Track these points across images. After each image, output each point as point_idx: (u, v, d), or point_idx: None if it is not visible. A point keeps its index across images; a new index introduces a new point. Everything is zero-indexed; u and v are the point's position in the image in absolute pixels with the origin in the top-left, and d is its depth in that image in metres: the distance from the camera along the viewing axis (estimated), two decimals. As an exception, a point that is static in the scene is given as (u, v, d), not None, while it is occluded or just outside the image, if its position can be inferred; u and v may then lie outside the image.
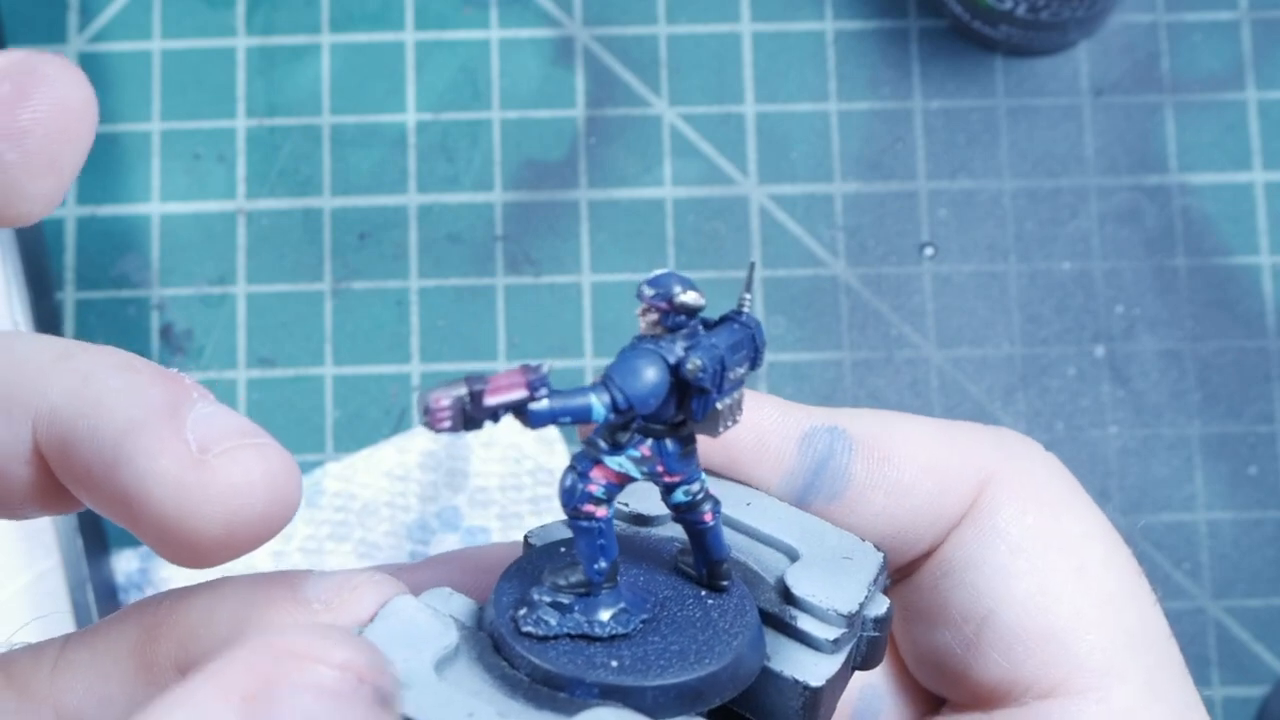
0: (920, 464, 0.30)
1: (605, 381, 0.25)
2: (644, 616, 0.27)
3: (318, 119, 0.59)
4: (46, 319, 0.55)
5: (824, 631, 0.27)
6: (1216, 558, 0.57)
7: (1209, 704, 0.56)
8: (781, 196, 0.59)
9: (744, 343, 0.26)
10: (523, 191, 0.59)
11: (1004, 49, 0.59)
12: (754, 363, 0.26)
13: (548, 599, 0.26)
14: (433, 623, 0.26)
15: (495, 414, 0.24)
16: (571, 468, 0.26)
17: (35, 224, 0.57)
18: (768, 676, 0.27)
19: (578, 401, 0.25)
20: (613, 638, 0.26)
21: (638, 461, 0.26)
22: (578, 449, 0.27)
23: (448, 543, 0.55)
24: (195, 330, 0.58)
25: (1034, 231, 0.59)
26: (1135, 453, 0.57)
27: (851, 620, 0.28)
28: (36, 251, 0.56)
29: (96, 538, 0.54)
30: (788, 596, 0.28)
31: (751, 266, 0.27)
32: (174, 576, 0.55)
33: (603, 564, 0.26)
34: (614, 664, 0.25)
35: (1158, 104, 0.60)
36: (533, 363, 0.25)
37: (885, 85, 0.60)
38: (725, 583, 0.27)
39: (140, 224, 0.58)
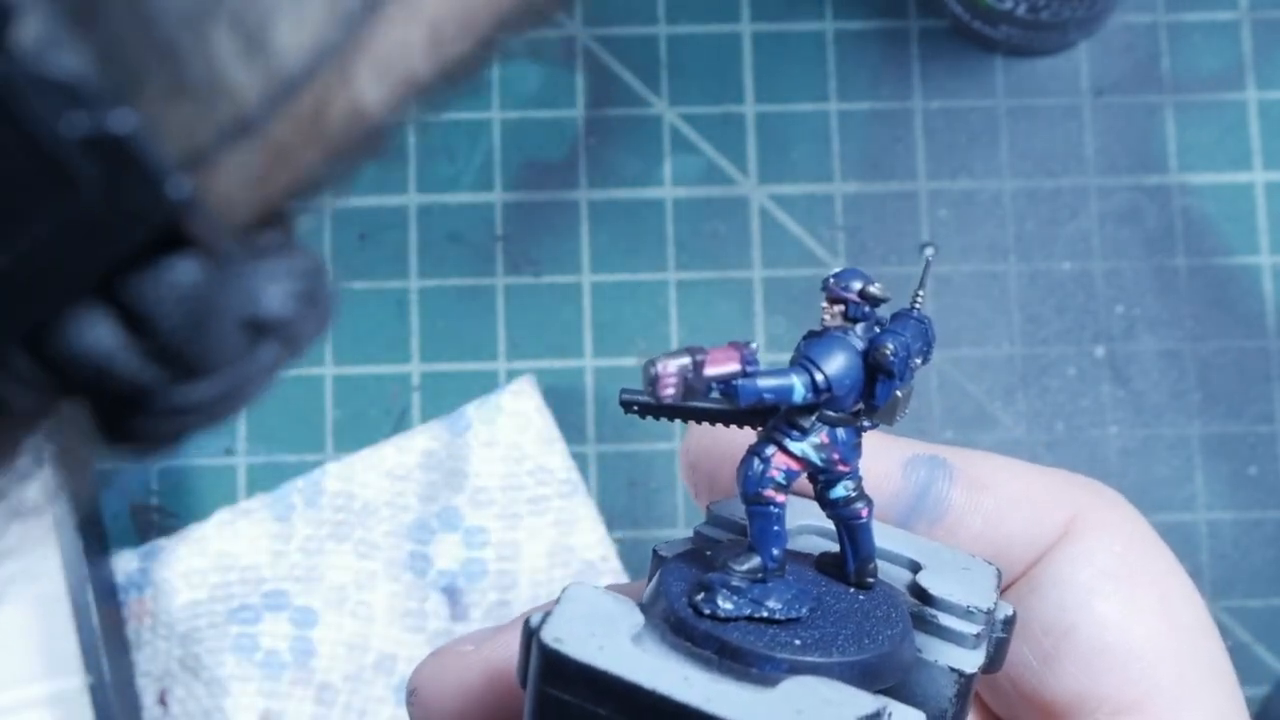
0: (1015, 493, 0.31)
1: (804, 364, 0.26)
2: (810, 604, 0.28)
3: (318, 119, 0.59)
4: (46, 319, 0.55)
5: (965, 627, 0.29)
6: (1216, 558, 0.57)
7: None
8: (781, 196, 0.59)
9: (920, 335, 0.27)
10: (523, 191, 0.59)
11: (1004, 49, 0.59)
12: (926, 356, 0.28)
13: (724, 584, 0.27)
14: (616, 605, 0.27)
15: (709, 386, 0.25)
16: (754, 453, 0.27)
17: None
18: (921, 666, 0.28)
19: (782, 381, 0.26)
20: (787, 621, 0.27)
21: (817, 448, 0.27)
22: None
23: (448, 543, 0.55)
24: (195, 330, 0.58)
25: (1034, 231, 0.59)
26: (1135, 453, 0.57)
27: (989, 617, 0.29)
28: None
29: (96, 538, 0.54)
30: (924, 597, 0.29)
31: (926, 263, 0.29)
32: (174, 577, 0.55)
33: (777, 551, 0.27)
34: (796, 643, 0.26)
35: (1158, 104, 0.60)
36: (740, 340, 0.26)
37: (885, 85, 0.60)
38: (871, 580, 0.29)
39: (140, 224, 0.58)
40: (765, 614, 0.27)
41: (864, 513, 0.28)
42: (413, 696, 0.32)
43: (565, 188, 0.59)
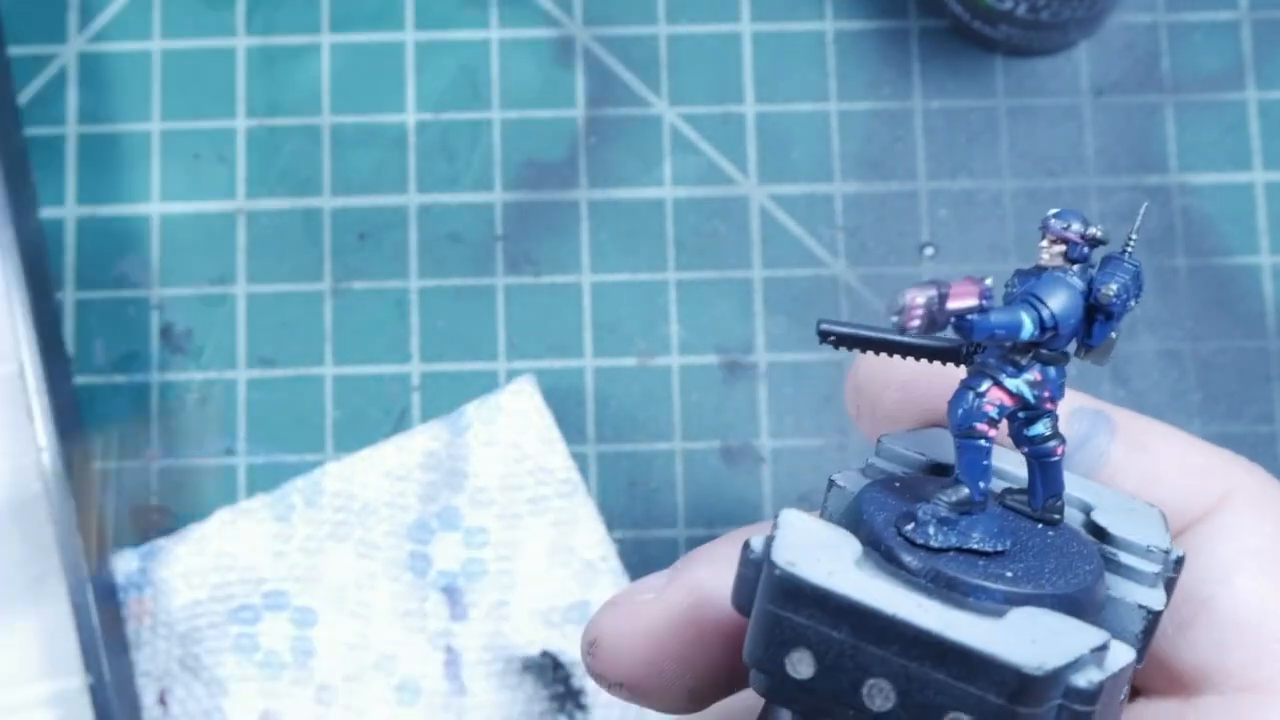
0: (1173, 460, 0.31)
1: (1031, 301, 0.27)
2: (1011, 539, 0.28)
3: (318, 119, 0.59)
4: (46, 319, 0.55)
5: (1146, 565, 0.29)
6: (1217, 558, 0.57)
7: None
8: (781, 196, 0.59)
9: (1134, 278, 0.28)
10: (523, 191, 0.59)
11: (1004, 49, 0.59)
12: (1138, 299, 0.28)
13: (935, 515, 0.27)
14: (833, 532, 0.27)
15: (950, 318, 0.26)
16: (969, 387, 0.27)
17: (35, 224, 0.57)
18: (1110, 603, 0.29)
19: (1012, 317, 0.27)
20: (994, 553, 0.28)
21: (1031, 385, 0.28)
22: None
23: (448, 542, 0.55)
24: (195, 330, 0.58)
25: (1034, 232, 0.59)
26: (1135, 453, 0.57)
27: (1167, 557, 0.29)
28: (36, 252, 0.56)
29: (97, 538, 0.54)
30: (1102, 536, 0.29)
31: (1143, 212, 0.30)
32: (174, 577, 0.55)
33: (984, 484, 0.28)
34: (1007, 574, 0.27)
35: (1158, 104, 0.60)
36: (976, 275, 0.27)
37: (885, 85, 0.60)
38: (1058, 516, 0.29)
39: (140, 224, 0.58)
40: (974, 545, 0.27)
41: (1058, 450, 0.28)
42: (593, 648, 0.32)
43: (565, 188, 0.59)
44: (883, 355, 0.29)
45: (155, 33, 0.60)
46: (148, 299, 0.58)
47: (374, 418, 0.57)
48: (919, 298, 0.26)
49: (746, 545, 0.27)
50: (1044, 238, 0.28)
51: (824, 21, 0.60)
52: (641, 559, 0.56)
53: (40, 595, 0.53)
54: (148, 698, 0.54)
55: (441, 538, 0.55)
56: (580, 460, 0.57)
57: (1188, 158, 0.59)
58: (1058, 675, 0.25)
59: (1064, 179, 0.59)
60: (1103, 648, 0.26)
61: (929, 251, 0.59)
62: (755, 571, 0.27)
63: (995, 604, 0.26)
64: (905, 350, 0.29)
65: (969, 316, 0.26)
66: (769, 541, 0.26)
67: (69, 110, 0.59)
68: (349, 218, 0.59)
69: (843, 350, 0.29)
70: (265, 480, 0.57)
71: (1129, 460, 0.31)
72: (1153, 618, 0.28)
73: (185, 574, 0.55)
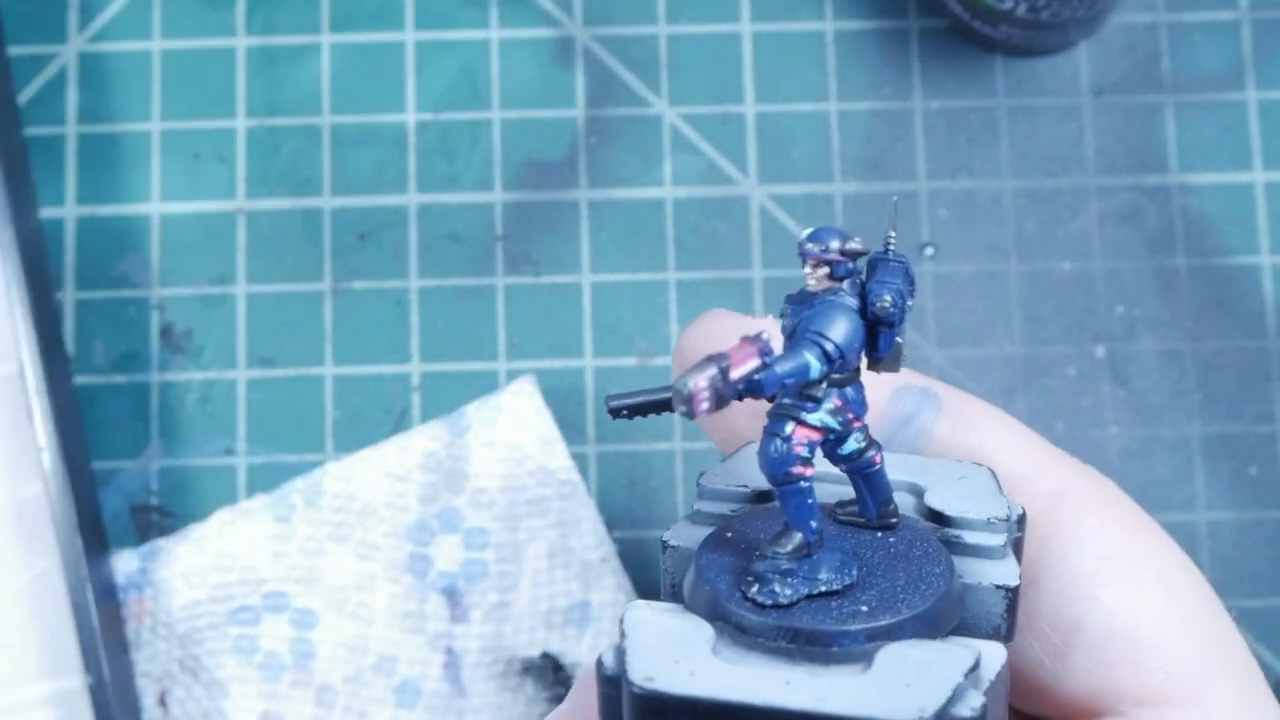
0: (1001, 440, 0.31)
1: (811, 338, 0.26)
2: (857, 565, 0.27)
3: (318, 119, 0.59)
4: (46, 319, 0.55)
5: (992, 540, 0.28)
6: (1216, 558, 0.57)
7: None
8: (781, 196, 0.59)
9: (905, 276, 0.27)
10: (523, 191, 0.59)
11: (1004, 49, 0.59)
12: (912, 294, 0.28)
13: (774, 570, 0.27)
14: (680, 620, 0.26)
15: (737, 388, 0.25)
16: (773, 434, 0.27)
17: (35, 224, 0.57)
18: (968, 591, 0.28)
19: (798, 362, 0.26)
20: (845, 589, 0.27)
21: (833, 413, 0.27)
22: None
23: (448, 544, 0.55)
24: (195, 330, 0.58)
25: (1034, 231, 0.59)
26: (1135, 453, 0.57)
27: (1008, 524, 0.29)
28: (36, 251, 0.56)
29: (96, 538, 0.54)
30: (941, 519, 0.29)
31: (895, 207, 0.29)
32: (174, 577, 0.55)
33: (815, 524, 0.27)
34: (863, 609, 0.26)
35: (1158, 104, 0.60)
36: (750, 333, 0.26)
37: (885, 85, 0.60)
38: (894, 520, 0.29)
39: (140, 224, 0.58)
40: (823, 588, 0.27)
41: (877, 459, 0.28)
42: None
43: (565, 188, 0.59)
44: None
45: (155, 33, 0.60)
46: (148, 299, 0.58)
47: (374, 418, 0.57)
48: (701, 381, 0.25)
49: (599, 663, 0.26)
50: (805, 264, 0.27)
51: (824, 21, 0.60)
52: (641, 559, 0.56)
53: (40, 595, 0.53)
54: (148, 698, 0.54)
55: (442, 539, 0.55)
56: (580, 460, 0.57)
57: (1188, 158, 0.59)
58: (941, 715, 0.24)
59: (1064, 179, 0.59)
60: (975, 666, 0.25)
61: (929, 251, 0.59)
62: (615, 688, 0.26)
63: (858, 645, 0.26)
64: None
65: (755, 377, 0.26)
66: (621, 654, 0.26)
67: (69, 110, 0.59)
68: (349, 218, 0.59)
69: (638, 418, 0.28)
70: (265, 480, 0.57)
71: (956, 437, 0.31)
72: (1012, 594, 0.28)
73: (185, 574, 0.55)
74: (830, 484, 0.30)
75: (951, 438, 0.31)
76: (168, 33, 0.60)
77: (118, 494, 0.57)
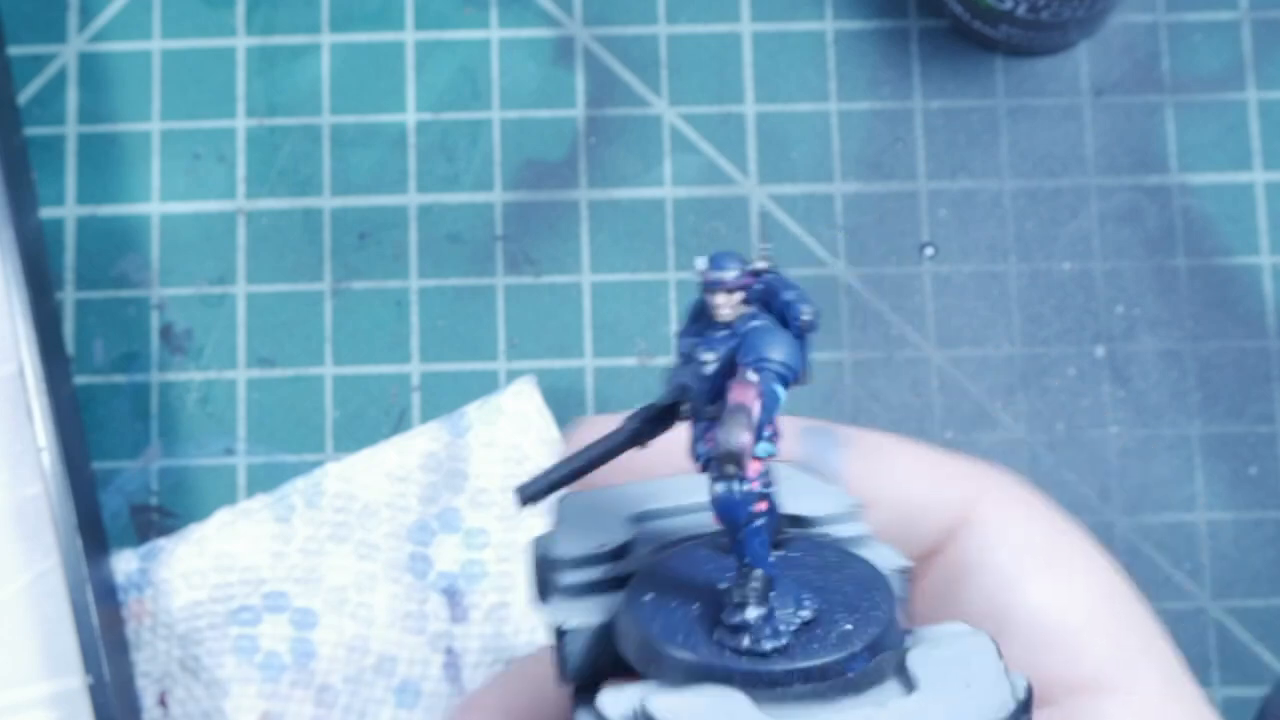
0: (909, 466, 0.31)
1: (761, 367, 0.25)
2: (806, 588, 0.26)
3: (318, 119, 0.59)
4: (46, 319, 0.55)
5: (858, 529, 0.28)
6: (1216, 558, 0.57)
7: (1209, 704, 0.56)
8: (781, 196, 0.59)
9: (798, 287, 0.27)
10: (523, 191, 0.59)
11: (1004, 49, 0.59)
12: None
13: (760, 617, 0.25)
14: (711, 697, 0.25)
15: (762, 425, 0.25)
16: (720, 479, 0.25)
17: (35, 224, 0.57)
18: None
19: (771, 396, 0.25)
20: (817, 612, 0.26)
21: (770, 440, 0.26)
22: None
23: (448, 544, 0.55)
24: (195, 330, 0.58)
25: (1034, 231, 0.59)
26: (1135, 453, 0.57)
27: (858, 507, 0.28)
28: (36, 251, 0.56)
29: (96, 538, 0.54)
30: (800, 522, 0.28)
31: (763, 217, 0.29)
32: (174, 577, 0.55)
33: (772, 558, 0.26)
34: (847, 627, 0.25)
35: (1158, 104, 0.60)
36: (746, 378, 0.25)
37: (885, 85, 0.60)
38: (782, 535, 0.28)
39: (140, 224, 0.58)
40: (805, 618, 0.26)
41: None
42: None
43: (565, 188, 0.59)
44: (593, 472, 0.28)
45: (155, 33, 0.60)
46: (148, 299, 0.58)
47: (374, 418, 0.57)
48: (746, 436, 0.24)
49: None
50: (716, 295, 0.26)
51: (824, 21, 0.60)
52: (641, 559, 0.56)
53: (40, 595, 0.53)
54: (148, 699, 0.54)
55: (442, 539, 0.55)
56: (580, 460, 0.56)
57: (1188, 158, 0.59)
58: (1023, 699, 0.24)
59: (1064, 179, 0.59)
60: (994, 643, 0.25)
61: (929, 251, 0.59)
62: None
63: (864, 664, 0.25)
64: (605, 456, 0.28)
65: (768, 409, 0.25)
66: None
67: (69, 110, 0.59)
68: (349, 218, 0.59)
69: (554, 495, 0.28)
70: (265, 480, 0.57)
71: (863, 473, 0.30)
72: (909, 570, 0.28)
73: (185, 574, 0.55)
74: (662, 517, 0.29)
75: (860, 474, 0.30)
76: (168, 33, 0.60)
77: (118, 494, 0.57)
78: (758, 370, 0.25)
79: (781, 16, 0.60)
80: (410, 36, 0.60)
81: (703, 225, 0.58)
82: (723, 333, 0.26)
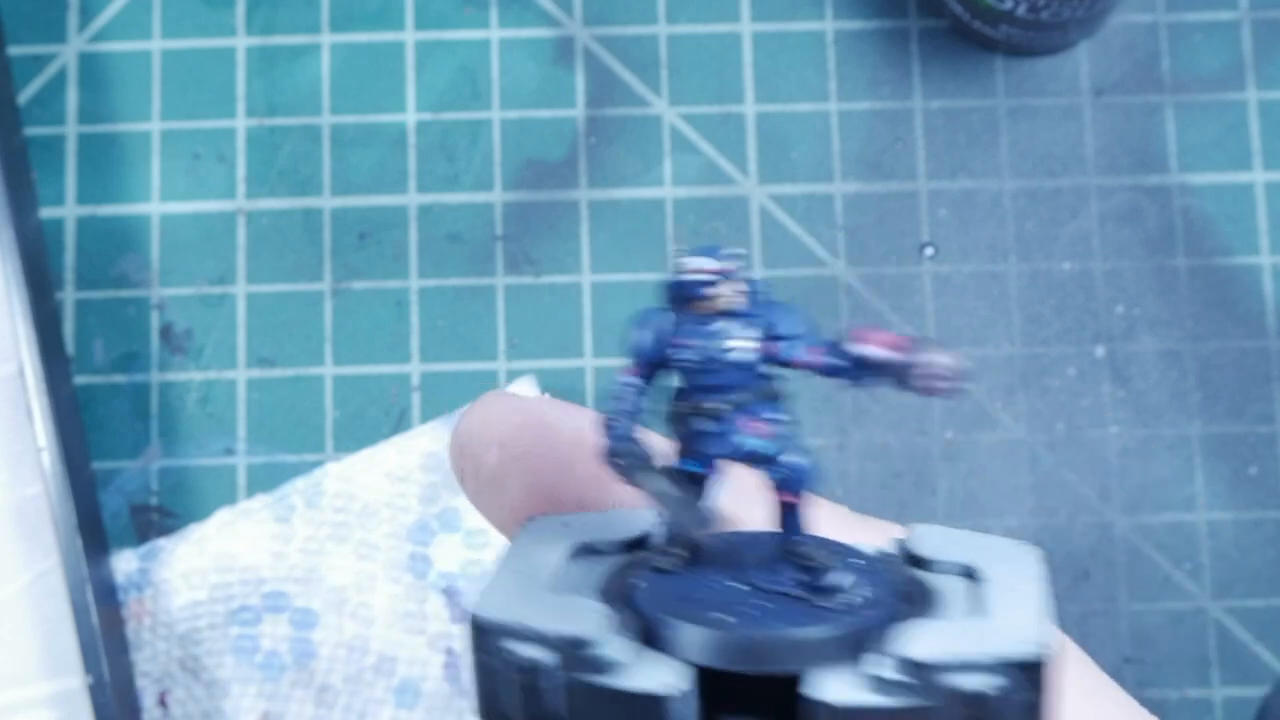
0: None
1: (815, 337, 0.27)
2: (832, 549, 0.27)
3: (318, 119, 0.59)
4: (46, 319, 0.55)
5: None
6: (1216, 558, 0.57)
7: (1209, 704, 0.57)
8: (781, 196, 0.59)
9: None
10: (523, 191, 0.59)
11: (1004, 49, 0.59)
12: None
13: (839, 576, 0.26)
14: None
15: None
16: (799, 449, 0.27)
17: (35, 224, 0.57)
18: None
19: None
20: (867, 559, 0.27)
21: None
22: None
23: (448, 544, 0.55)
24: (195, 330, 0.58)
25: (1034, 231, 0.59)
26: (1135, 453, 0.57)
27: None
28: (35, 251, 0.56)
29: (96, 538, 0.54)
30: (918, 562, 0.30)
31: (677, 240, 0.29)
32: (174, 577, 0.55)
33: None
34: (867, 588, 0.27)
35: (1158, 104, 0.60)
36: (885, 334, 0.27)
37: (885, 85, 0.60)
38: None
39: (140, 224, 0.58)
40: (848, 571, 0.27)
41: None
42: (465, 418, 0.31)
43: (565, 188, 0.59)
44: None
45: (155, 33, 0.60)
46: (148, 299, 0.58)
47: (374, 418, 0.57)
48: (955, 360, 0.25)
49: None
50: (716, 289, 0.26)
51: (824, 21, 0.60)
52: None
53: (40, 595, 0.53)
54: (148, 699, 0.54)
55: (442, 539, 0.55)
56: (580, 460, 0.57)
57: (1188, 158, 0.59)
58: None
59: (1064, 179, 0.59)
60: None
61: (929, 251, 0.59)
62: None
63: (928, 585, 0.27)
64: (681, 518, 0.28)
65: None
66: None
67: (69, 110, 0.59)
68: (349, 218, 0.59)
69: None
70: (265, 480, 0.57)
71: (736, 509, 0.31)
72: None
73: (185, 574, 0.55)
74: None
75: (733, 509, 0.30)
76: (168, 33, 0.60)
77: (118, 494, 0.57)
78: (815, 338, 0.27)
79: (781, 16, 0.60)
80: (410, 36, 0.60)
81: (703, 225, 0.58)
82: (726, 323, 0.26)
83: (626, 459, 0.26)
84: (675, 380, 0.27)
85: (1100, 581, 0.57)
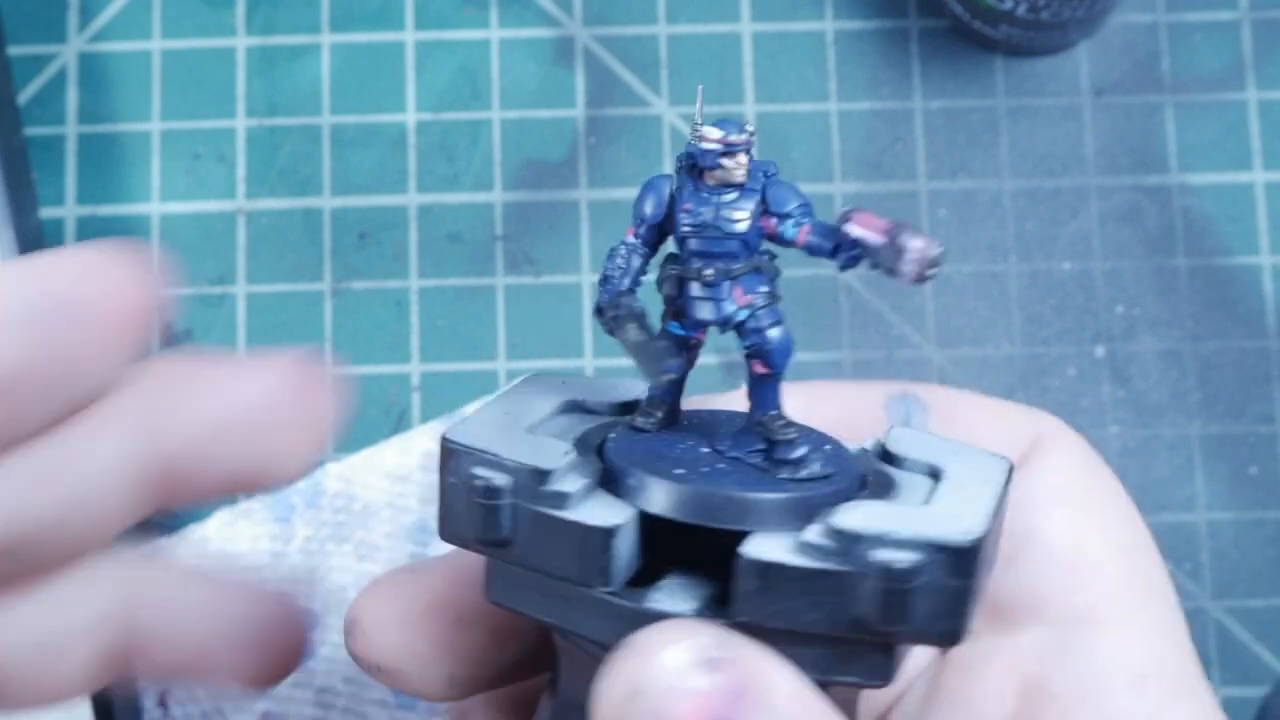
0: (981, 425, 0.34)
1: (808, 213, 0.29)
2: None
3: (318, 119, 0.59)
4: (46, 319, 0.55)
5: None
6: (1216, 558, 0.57)
7: (1209, 704, 0.56)
8: (781, 196, 0.59)
9: None
10: (523, 191, 0.59)
11: (1004, 49, 0.59)
12: None
13: (804, 450, 0.28)
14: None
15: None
16: (779, 322, 0.28)
17: (35, 224, 0.57)
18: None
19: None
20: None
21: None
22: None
23: (448, 545, 0.55)
24: (195, 330, 0.58)
25: (1034, 231, 0.59)
26: (1135, 453, 0.57)
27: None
28: (36, 251, 0.56)
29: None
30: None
31: (700, 90, 0.30)
32: (174, 577, 0.55)
33: None
34: (827, 448, 0.29)
35: (1158, 104, 0.60)
36: (870, 213, 0.28)
37: (885, 85, 0.60)
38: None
39: (140, 224, 0.58)
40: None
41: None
42: (353, 628, 0.32)
43: (565, 188, 0.59)
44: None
45: (155, 33, 0.60)
46: (148, 299, 0.58)
47: (374, 418, 0.57)
48: (927, 246, 0.27)
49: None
50: (733, 157, 0.28)
51: (824, 21, 0.60)
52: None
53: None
54: (148, 699, 0.54)
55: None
56: (580, 460, 0.56)
57: (1188, 158, 0.59)
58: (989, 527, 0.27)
59: (1064, 179, 0.59)
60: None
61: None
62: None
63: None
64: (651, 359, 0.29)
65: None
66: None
67: (69, 110, 0.59)
68: (349, 218, 0.59)
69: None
70: (265, 480, 0.57)
71: (947, 431, 0.34)
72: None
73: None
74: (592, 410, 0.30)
75: (943, 432, 0.33)
76: (168, 33, 0.60)
77: (118, 494, 0.57)
78: (805, 219, 0.28)
79: (781, 16, 0.60)
80: (410, 36, 0.60)
81: (703, 225, 0.58)
82: (730, 195, 0.28)
83: (613, 311, 0.28)
84: (673, 248, 0.28)
85: (1100, 581, 0.57)
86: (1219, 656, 0.56)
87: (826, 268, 0.58)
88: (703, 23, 0.60)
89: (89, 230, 0.58)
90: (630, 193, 0.60)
